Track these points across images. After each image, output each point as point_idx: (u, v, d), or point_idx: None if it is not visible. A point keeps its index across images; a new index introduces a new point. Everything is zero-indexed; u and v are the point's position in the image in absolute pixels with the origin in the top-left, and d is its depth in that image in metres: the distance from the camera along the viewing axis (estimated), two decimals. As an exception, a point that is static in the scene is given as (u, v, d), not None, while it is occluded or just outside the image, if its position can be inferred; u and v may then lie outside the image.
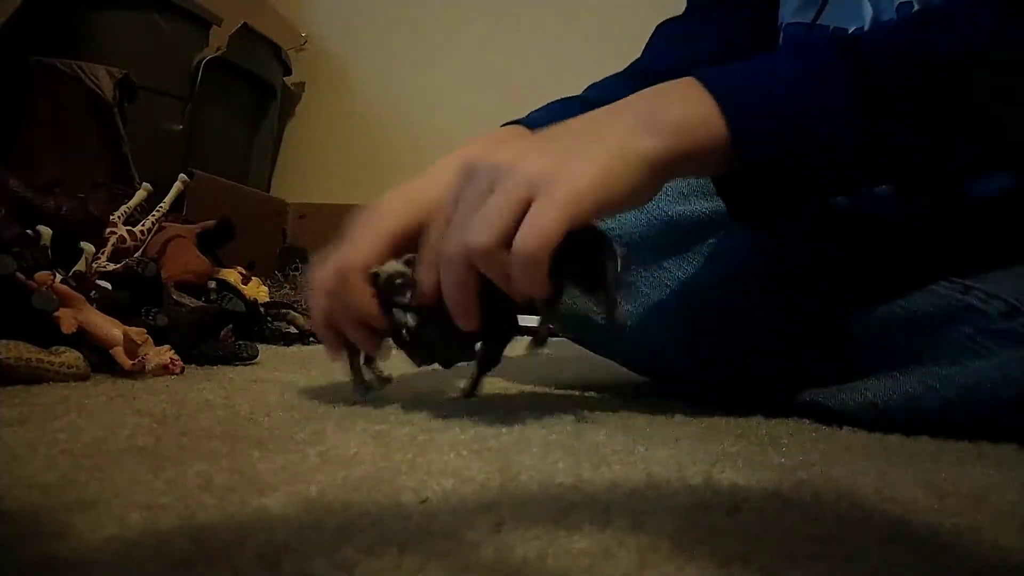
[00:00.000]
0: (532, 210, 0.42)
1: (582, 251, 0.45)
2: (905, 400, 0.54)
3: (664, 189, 0.55)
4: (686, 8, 0.81)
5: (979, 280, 0.54)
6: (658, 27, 0.80)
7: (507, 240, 0.42)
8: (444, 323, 0.46)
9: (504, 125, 0.64)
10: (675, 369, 0.64)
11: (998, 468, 0.43)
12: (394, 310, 0.50)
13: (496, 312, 0.47)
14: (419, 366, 0.53)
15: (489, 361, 0.53)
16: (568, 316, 0.66)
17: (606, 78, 0.74)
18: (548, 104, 0.68)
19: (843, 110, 0.46)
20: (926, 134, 0.47)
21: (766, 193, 0.49)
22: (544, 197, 0.42)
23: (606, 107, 0.47)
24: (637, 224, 0.62)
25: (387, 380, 0.56)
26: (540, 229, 0.41)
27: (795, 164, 0.46)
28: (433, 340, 0.50)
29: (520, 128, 0.63)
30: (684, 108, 0.45)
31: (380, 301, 0.50)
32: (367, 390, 0.55)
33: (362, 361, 0.55)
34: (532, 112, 0.66)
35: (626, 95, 0.47)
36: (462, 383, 0.59)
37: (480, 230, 0.42)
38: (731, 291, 0.60)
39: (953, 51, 0.47)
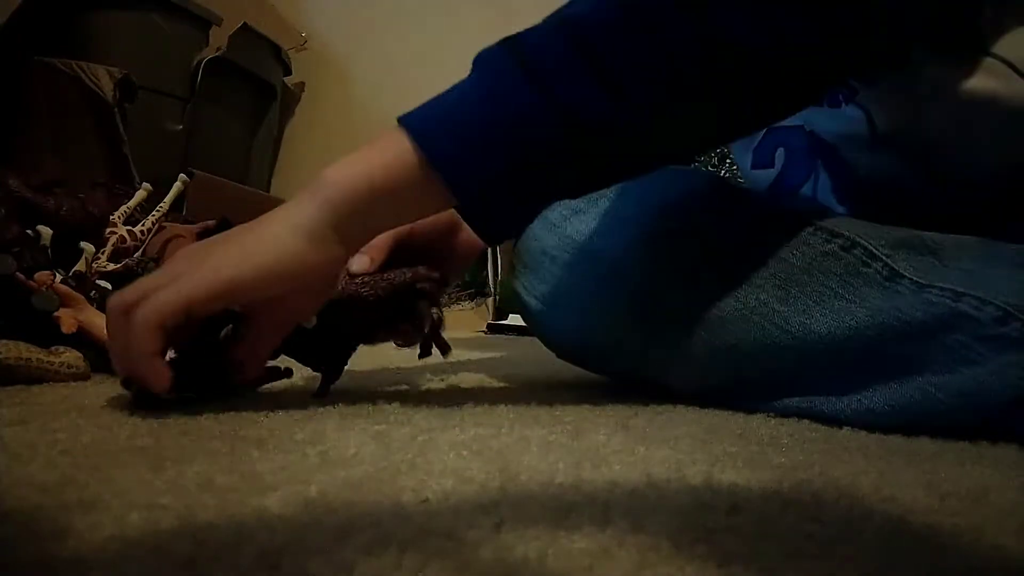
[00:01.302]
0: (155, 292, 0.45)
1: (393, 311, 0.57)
2: (903, 406, 0.54)
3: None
4: None
5: (971, 286, 0.53)
6: None
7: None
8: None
9: None
10: (675, 384, 0.64)
11: (998, 468, 0.43)
12: None
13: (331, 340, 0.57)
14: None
15: (333, 374, 0.59)
16: (564, 346, 0.67)
17: None
18: None
19: (521, 103, 0.46)
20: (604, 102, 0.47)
21: (503, 205, 0.50)
22: (171, 284, 0.45)
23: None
24: (627, 240, 0.62)
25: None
26: (151, 305, 0.45)
27: (500, 170, 0.47)
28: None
29: None
30: (375, 152, 0.48)
31: None
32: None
33: None
34: None
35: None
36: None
37: (113, 298, 0.47)
38: (722, 301, 0.59)
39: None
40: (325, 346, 0.58)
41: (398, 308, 0.58)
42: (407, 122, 0.48)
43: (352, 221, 0.47)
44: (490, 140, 0.47)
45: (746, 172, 0.76)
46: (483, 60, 0.49)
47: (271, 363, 0.56)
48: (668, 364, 0.62)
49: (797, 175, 0.71)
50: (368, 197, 0.47)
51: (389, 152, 0.47)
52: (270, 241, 0.46)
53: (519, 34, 0.48)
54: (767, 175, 0.72)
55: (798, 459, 0.42)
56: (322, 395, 0.57)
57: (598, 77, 0.47)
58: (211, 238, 0.50)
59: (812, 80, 0.54)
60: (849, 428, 0.54)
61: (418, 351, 0.60)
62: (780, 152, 0.71)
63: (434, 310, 0.59)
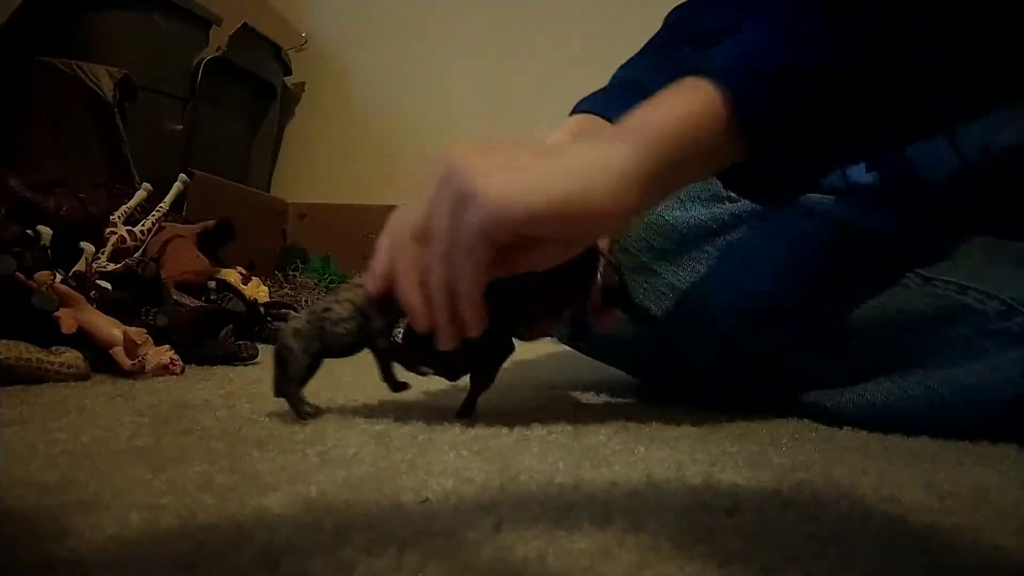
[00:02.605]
0: (460, 221, 0.41)
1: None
2: (904, 401, 0.54)
3: None
4: None
5: (976, 280, 0.54)
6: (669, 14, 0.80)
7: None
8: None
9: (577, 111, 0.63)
10: (680, 375, 0.64)
11: (998, 468, 0.43)
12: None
13: (493, 328, 0.46)
14: (422, 375, 0.51)
15: (484, 379, 0.52)
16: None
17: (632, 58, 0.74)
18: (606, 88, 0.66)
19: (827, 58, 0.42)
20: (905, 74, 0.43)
21: (780, 171, 0.46)
22: (470, 204, 0.41)
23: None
24: (633, 229, 0.62)
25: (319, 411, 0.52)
26: (472, 230, 0.41)
27: (803, 124, 0.43)
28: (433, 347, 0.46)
29: (592, 119, 0.62)
30: (678, 101, 0.43)
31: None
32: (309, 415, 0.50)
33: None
34: (597, 94, 0.65)
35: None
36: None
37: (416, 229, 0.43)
38: (734, 297, 0.59)
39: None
40: (477, 345, 0.47)
41: (566, 287, 0.48)
42: (714, 70, 0.43)
43: (658, 171, 0.42)
44: (796, 95, 0.42)
45: None
46: (787, 3, 0.44)
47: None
48: (665, 359, 0.62)
49: None
50: (675, 146, 0.42)
51: (694, 101, 0.43)
52: (580, 172, 0.41)
53: None
54: None
55: (798, 459, 0.42)
56: (468, 412, 0.51)
57: (893, 21, 0.42)
58: (497, 143, 0.44)
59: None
60: (849, 428, 0.54)
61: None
62: None
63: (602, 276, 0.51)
